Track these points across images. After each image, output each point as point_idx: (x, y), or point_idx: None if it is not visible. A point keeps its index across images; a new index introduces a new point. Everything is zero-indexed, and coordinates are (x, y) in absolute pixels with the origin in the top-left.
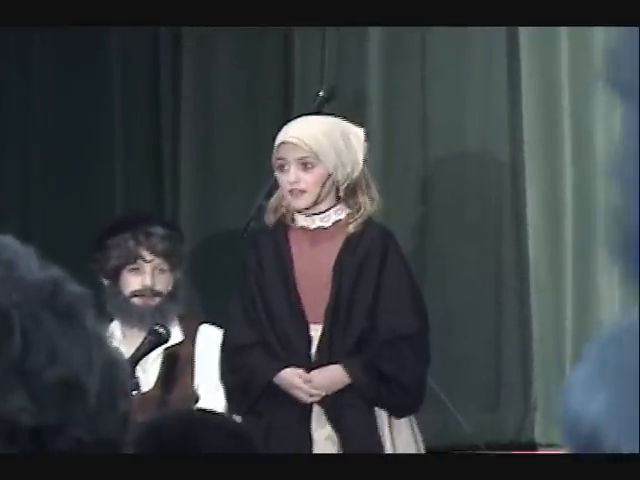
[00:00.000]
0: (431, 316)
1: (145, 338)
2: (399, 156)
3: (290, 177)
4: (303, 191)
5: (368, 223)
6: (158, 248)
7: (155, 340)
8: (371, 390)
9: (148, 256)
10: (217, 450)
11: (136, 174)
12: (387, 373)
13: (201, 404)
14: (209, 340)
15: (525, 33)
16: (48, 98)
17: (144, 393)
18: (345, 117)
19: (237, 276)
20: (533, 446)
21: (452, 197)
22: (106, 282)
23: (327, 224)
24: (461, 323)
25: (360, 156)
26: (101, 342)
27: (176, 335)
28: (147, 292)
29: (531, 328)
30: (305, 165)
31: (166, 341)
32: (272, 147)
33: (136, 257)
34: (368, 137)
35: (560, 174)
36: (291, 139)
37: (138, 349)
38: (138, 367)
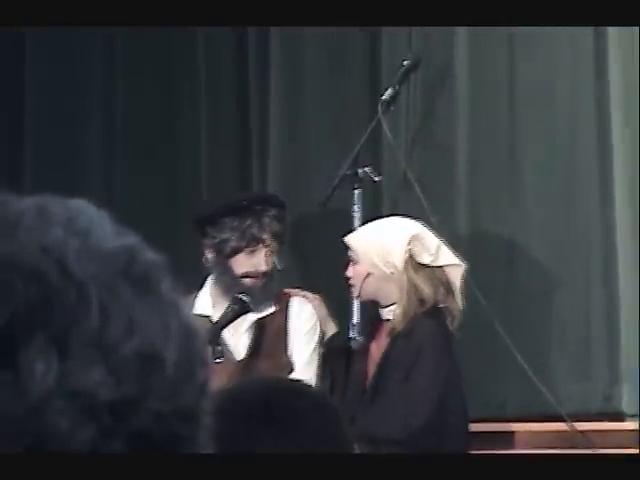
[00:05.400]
0: (519, 286)
1: (229, 306)
2: (486, 126)
3: None
4: None
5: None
6: (276, 230)
7: (239, 308)
8: None
9: (268, 240)
10: (301, 419)
11: (223, 146)
12: None
13: (293, 376)
14: (302, 312)
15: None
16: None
17: (238, 361)
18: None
19: (320, 246)
20: (620, 417)
21: (541, 168)
22: (210, 256)
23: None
24: (550, 294)
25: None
26: (177, 310)
27: (268, 306)
28: (260, 275)
29: (618, 298)
30: None
31: (250, 309)
32: (358, 119)
33: (258, 241)
34: (455, 109)
35: None
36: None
37: (223, 317)
38: (231, 336)
